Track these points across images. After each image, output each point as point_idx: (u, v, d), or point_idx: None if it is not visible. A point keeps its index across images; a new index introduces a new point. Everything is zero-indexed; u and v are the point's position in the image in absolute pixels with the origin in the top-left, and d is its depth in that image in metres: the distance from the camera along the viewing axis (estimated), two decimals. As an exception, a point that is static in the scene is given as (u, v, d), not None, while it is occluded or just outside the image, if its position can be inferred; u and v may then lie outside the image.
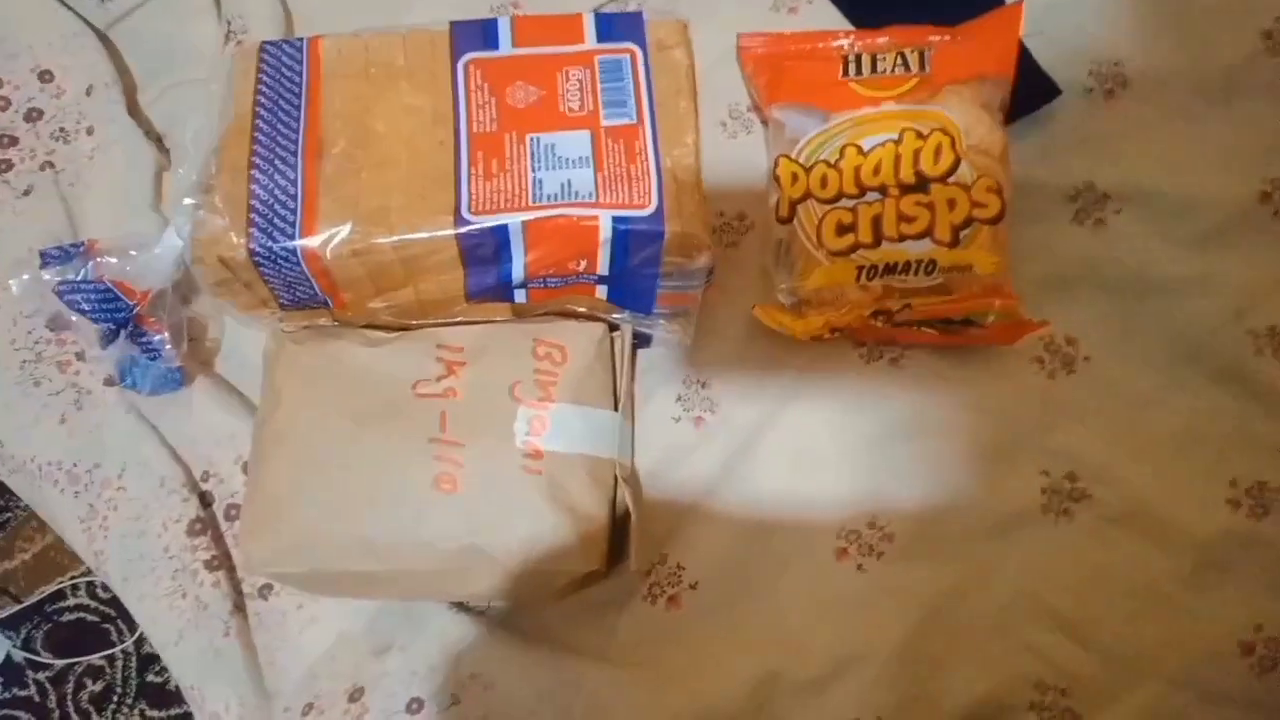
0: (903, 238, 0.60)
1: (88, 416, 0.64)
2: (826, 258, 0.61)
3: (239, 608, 0.60)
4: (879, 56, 0.65)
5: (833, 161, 0.62)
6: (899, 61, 0.65)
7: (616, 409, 0.56)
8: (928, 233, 0.59)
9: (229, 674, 0.58)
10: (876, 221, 0.60)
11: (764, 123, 0.69)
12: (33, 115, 0.71)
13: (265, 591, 0.61)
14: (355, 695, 0.57)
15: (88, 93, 0.71)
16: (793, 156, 0.63)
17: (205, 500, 0.63)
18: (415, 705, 0.56)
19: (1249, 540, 0.58)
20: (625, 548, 0.55)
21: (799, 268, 0.62)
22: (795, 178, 0.63)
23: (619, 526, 0.55)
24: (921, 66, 0.65)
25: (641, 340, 0.63)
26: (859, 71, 0.65)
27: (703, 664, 0.57)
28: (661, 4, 0.72)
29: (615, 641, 0.58)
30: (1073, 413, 0.62)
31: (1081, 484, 0.60)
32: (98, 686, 0.72)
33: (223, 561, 0.61)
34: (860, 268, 0.60)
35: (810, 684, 0.56)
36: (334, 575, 0.53)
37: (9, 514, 0.77)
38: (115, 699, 0.72)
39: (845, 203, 0.61)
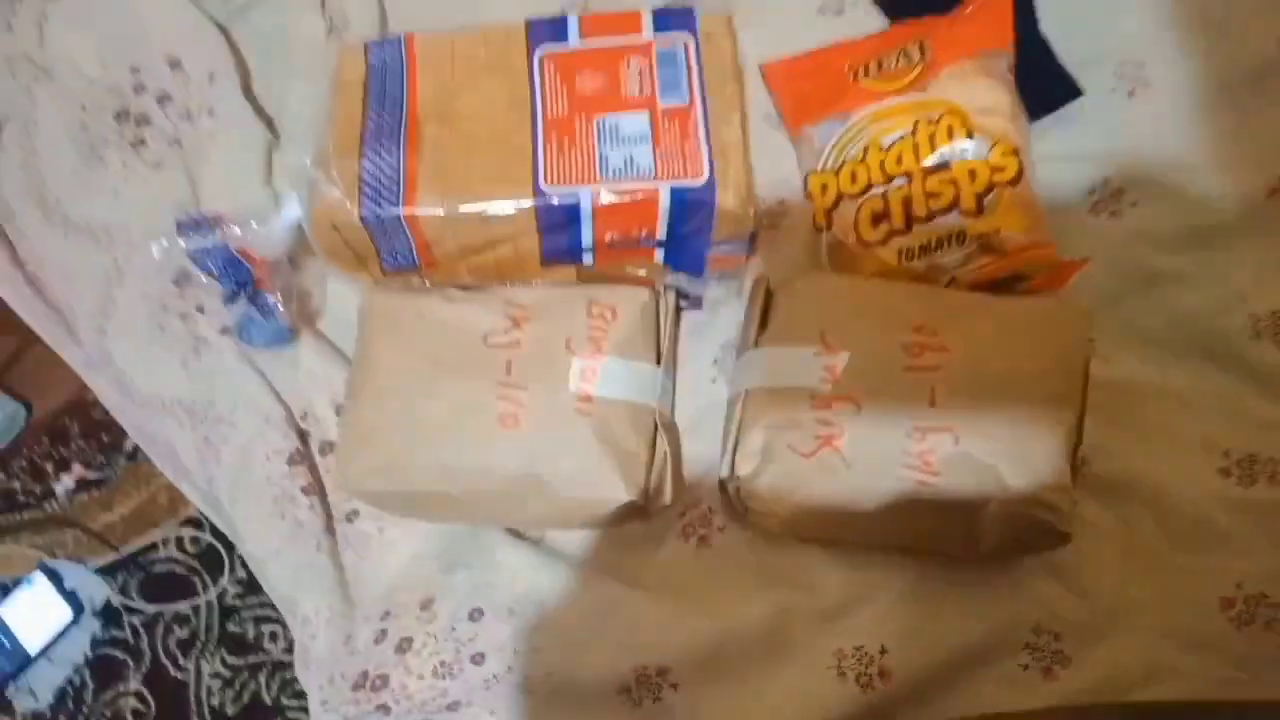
0: (931, 215, 0.66)
1: (205, 361, 0.74)
2: (867, 250, 0.67)
3: (329, 529, 0.69)
4: (884, 57, 0.71)
5: (859, 159, 0.68)
6: (902, 56, 0.71)
7: (659, 364, 0.64)
8: (954, 205, 0.65)
9: (319, 585, 0.68)
10: (907, 204, 0.66)
11: (794, 143, 0.74)
12: (163, 99, 0.81)
13: (352, 516, 0.70)
14: (426, 604, 0.66)
15: (210, 80, 0.80)
16: (819, 169, 0.70)
17: (303, 436, 0.72)
18: (476, 614, 0.65)
19: (1236, 506, 0.63)
20: (663, 486, 0.62)
21: (846, 267, 0.68)
22: (825, 187, 0.69)
23: (659, 467, 0.63)
24: (922, 55, 0.70)
25: (693, 303, 0.71)
26: (867, 74, 0.71)
27: (726, 594, 0.64)
28: (717, 4, 0.79)
29: (651, 572, 0.66)
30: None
31: (1083, 453, 0.65)
32: (184, 633, 0.79)
33: (316, 489, 0.70)
34: (899, 252, 0.66)
35: (821, 614, 0.63)
36: (413, 495, 0.62)
37: (111, 470, 0.85)
38: (199, 645, 0.79)
39: (875, 190, 0.67)
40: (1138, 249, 0.69)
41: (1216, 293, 0.68)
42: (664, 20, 0.65)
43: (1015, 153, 0.65)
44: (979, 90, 0.68)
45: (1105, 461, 0.65)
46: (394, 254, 0.63)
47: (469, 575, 0.66)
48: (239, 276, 0.69)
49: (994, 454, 0.57)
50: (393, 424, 0.61)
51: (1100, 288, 0.68)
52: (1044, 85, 0.71)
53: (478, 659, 0.64)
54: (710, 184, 0.60)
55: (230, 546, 0.78)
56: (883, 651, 0.61)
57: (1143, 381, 0.67)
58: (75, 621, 0.79)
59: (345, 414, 0.64)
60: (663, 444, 0.62)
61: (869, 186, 0.68)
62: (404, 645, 0.65)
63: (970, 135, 0.66)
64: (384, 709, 0.63)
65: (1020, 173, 0.65)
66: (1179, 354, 0.67)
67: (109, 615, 0.80)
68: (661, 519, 0.67)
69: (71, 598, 0.80)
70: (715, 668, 0.62)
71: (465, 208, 0.60)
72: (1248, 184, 0.69)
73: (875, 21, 0.77)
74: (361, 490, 0.63)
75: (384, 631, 0.66)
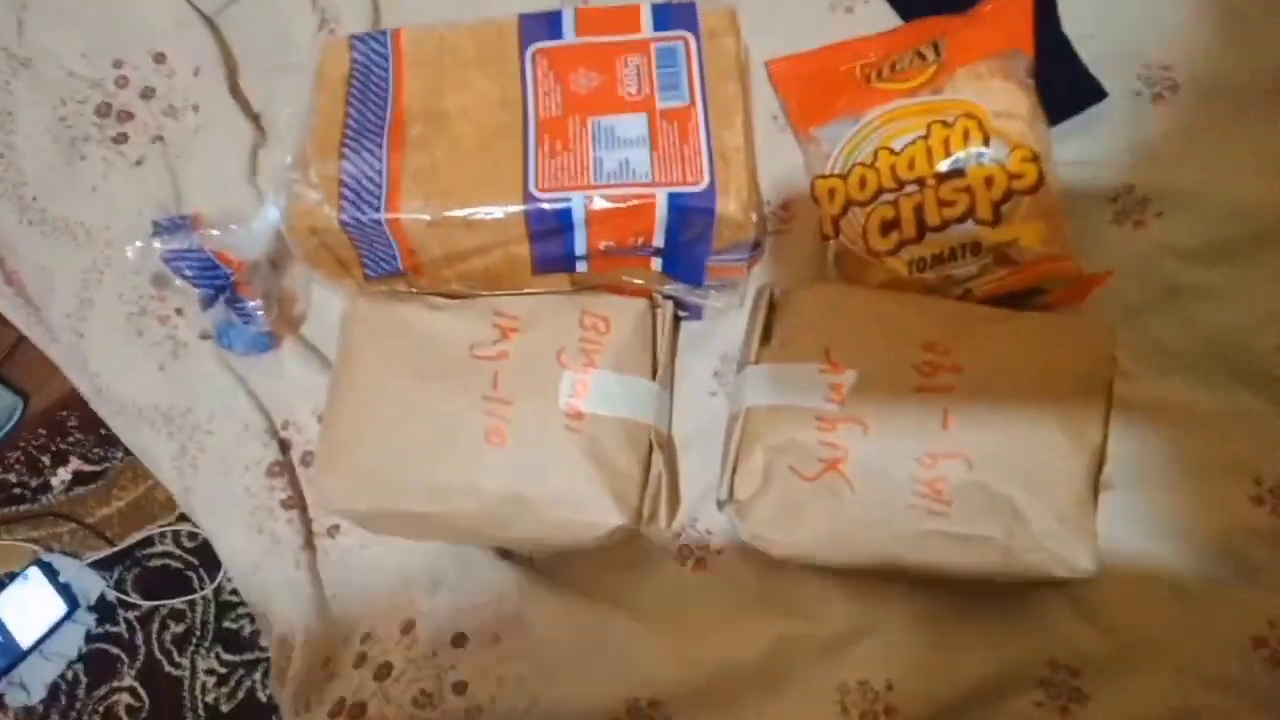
0: (945, 224, 0.62)
1: (183, 366, 0.71)
2: (877, 260, 0.64)
3: (309, 544, 0.66)
4: (897, 56, 0.68)
5: (869, 163, 0.65)
6: (916, 56, 0.67)
7: (655, 379, 0.60)
8: (969, 214, 0.61)
9: (297, 602, 0.65)
10: (919, 211, 0.62)
11: (801, 145, 0.71)
12: (147, 93, 0.78)
13: (333, 531, 0.67)
14: (407, 628, 0.63)
15: (195, 74, 0.78)
16: (828, 173, 0.66)
17: (284, 446, 0.69)
18: (459, 639, 0.62)
19: (1269, 538, 0.60)
20: (658, 509, 0.59)
21: (855, 276, 0.65)
22: (833, 192, 0.66)
23: (653, 488, 0.59)
24: (937, 55, 0.66)
25: (693, 312, 0.67)
26: (879, 75, 0.68)
27: (724, 622, 0.61)
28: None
29: (645, 596, 0.62)
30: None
31: (1105, 478, 0.62)
32: (179, 629, 0.78)
33: (297, 502, 0.67)
34: (910, 262, 0.63)
35: (824, 645, 0.59)
36: (394, 514, 0.59)
37: (108, 464, 0.83)
38: (194, 641, 0.77)
39: (886, 197, 0.64)
40: (1163, 262, 0.65)
41: (1247, 310, 0.64)
42: (664, 16, 0.61)
43: (1035, 159, 0.62)
44: (997, 92, 0.64)
45: (1128, 489, 0.61)
46: (377, 260, 0.60)
47: (453, 597, 0.63)
48: (216, 280, 0.66)
49: (1010, 483, 0.53)
50: (373, 440, 0.58)
51: (1123, 303, 0.65)
52: (1065, 87, 0.68)
53: (459, 688, 0.60)
54: (710, 190, 0.56)
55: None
56: (888, 687, 0.58)
57: (1168, 403, 0.63)
58: (69, 616, 0.77)
59: (324, 429, 0.61)
60: (658, 464, 0.59)
61: (879, 192, 0.64)
62: (383, 671, 0.62)
63: (987, 140, 0.62)
64: (360, 739, 0.60)
65: (1040, 180, 0.61)
66: (1207, 374, 0.63)
67: (104, 610, 0.78)
68: (657, 539, 0.63)
69: (66, 591, 0.78)
70: (711, 701, 0.59)
71: (451, 213, 0.56)
72: (1277, 194, 0.66)
73: (888, 20, 0.74)
74: (340, 509, 0.60)
75: (363, 655, 0.63)
